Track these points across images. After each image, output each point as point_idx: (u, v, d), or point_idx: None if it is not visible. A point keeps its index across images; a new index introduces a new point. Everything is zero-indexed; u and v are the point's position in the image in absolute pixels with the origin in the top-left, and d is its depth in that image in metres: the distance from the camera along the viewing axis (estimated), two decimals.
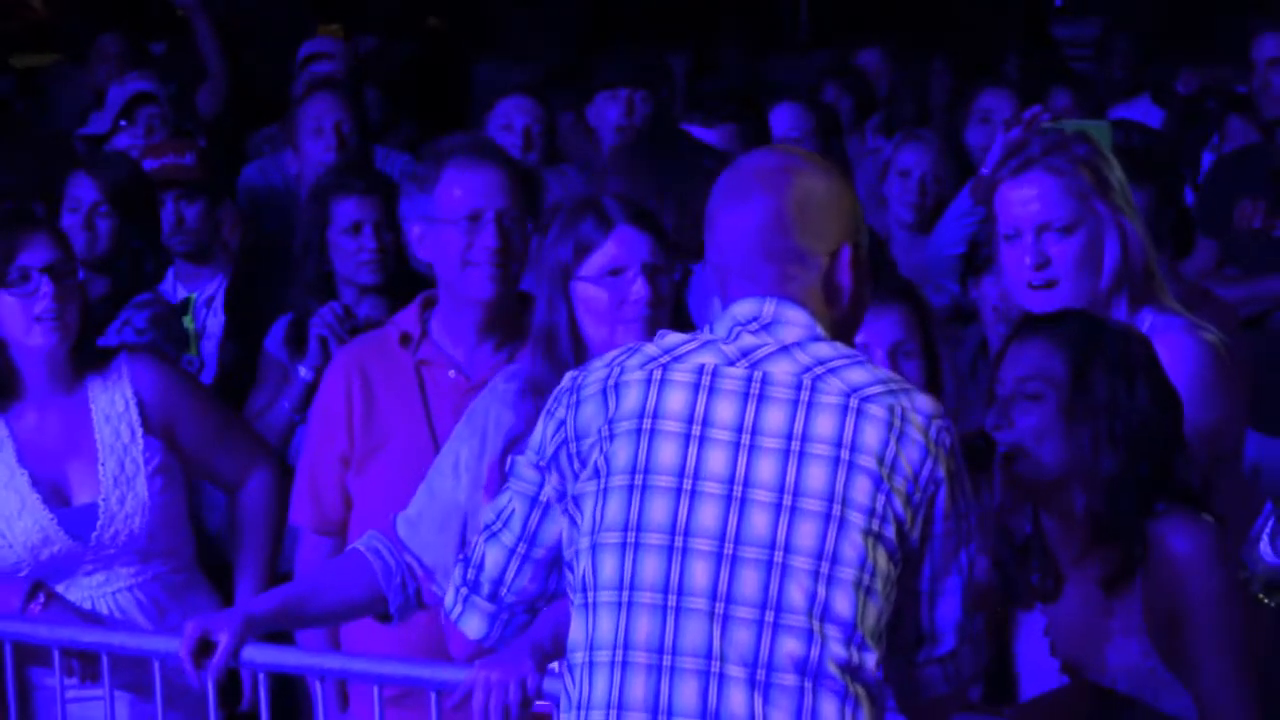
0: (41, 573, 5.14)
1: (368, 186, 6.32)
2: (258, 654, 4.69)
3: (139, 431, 5.22)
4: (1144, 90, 9.81)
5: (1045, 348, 4.21)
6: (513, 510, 3.85)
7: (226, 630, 4.59)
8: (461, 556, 3.94)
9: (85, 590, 5.17)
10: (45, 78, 11.50)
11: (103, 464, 5.19)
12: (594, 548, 3.70)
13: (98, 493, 5.18)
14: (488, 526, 3.89)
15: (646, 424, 3.69)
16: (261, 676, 4.78)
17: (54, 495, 5.18)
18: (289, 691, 5.29)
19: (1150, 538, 4.15)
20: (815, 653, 3.60)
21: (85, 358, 5.24)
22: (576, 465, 3.74)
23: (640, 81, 7.71)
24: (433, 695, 4.59)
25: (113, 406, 5.22)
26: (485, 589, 3.89)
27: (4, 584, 5.11)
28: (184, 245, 7.03)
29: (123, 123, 8.38)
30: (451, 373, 5.17)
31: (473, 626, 3.93)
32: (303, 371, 6.11)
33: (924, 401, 3.70)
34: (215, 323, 6.92)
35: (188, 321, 6.88)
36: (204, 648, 4.59)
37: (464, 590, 3.92)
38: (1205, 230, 7.11)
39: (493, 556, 3.88)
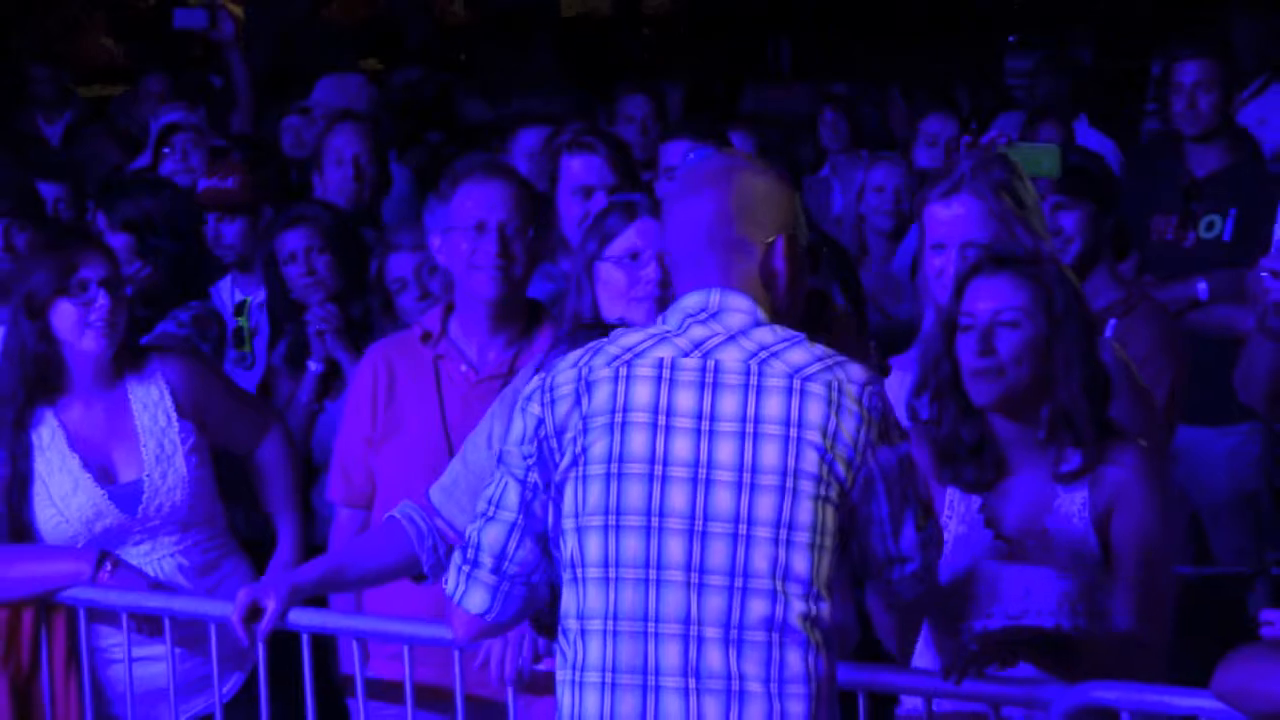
0: (95, 545, 5.15)
1: (295, 220, 6.39)
2: (301, 617, 4.71)
3: (174, 416, 5.24)
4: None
5: (1014, 282, 4.33)
6: (505, 491, 3.83)
7: (274, 597, 4.62)
8: (459, 545, 3.91)
9: (133, 559, 5.16)
10: (111, 107, 11.52)
11: (144, 445, 5.20)
12: (579, 530, 3.71)
13: (142, 470, 5.19)
14: (481, 514, 3.85)
15: (618, 418, 3.70)
16: (304, 637, 4.80)
17: (103, 475, 5.19)
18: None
19: (1103, 446, 4.30)
20: (780, 610, 3.64)
21: (125, 358, 5.26)
22: (557, 456, 3.75)
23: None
24: (455, 654, 4.62)
25: (149, 396, 5.24)
26: (488, 564, 3.84)
27: (73, 555, 5.12)
28: (228, 258, 7.03)
29: (165, 150, 8.39)
30: (463, 367, 5.19)
31: (475, 601, 3.87)
32: (312, 365, 6.17)
33: (857, 371, 3.73)
34: (266, 323, 6.91)
35: (243, 321, 6.88)
36: (254, 612, 4.62)
37: (465, 569, 3.87)
38: (1128, 244, 7.11)
39: (492, 534, 3.84)
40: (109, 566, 5.08)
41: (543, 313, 5.25)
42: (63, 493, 5.17)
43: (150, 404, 5.24)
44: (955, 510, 4.40)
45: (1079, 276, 4.91)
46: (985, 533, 4.35)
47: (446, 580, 3.92)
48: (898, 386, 4.55)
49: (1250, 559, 6.86)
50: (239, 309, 6.92)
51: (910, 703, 4.44)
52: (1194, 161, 7.18)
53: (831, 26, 16.10)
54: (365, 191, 7.41)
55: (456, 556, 3.90)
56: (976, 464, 4.36)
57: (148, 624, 5.08)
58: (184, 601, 5.08)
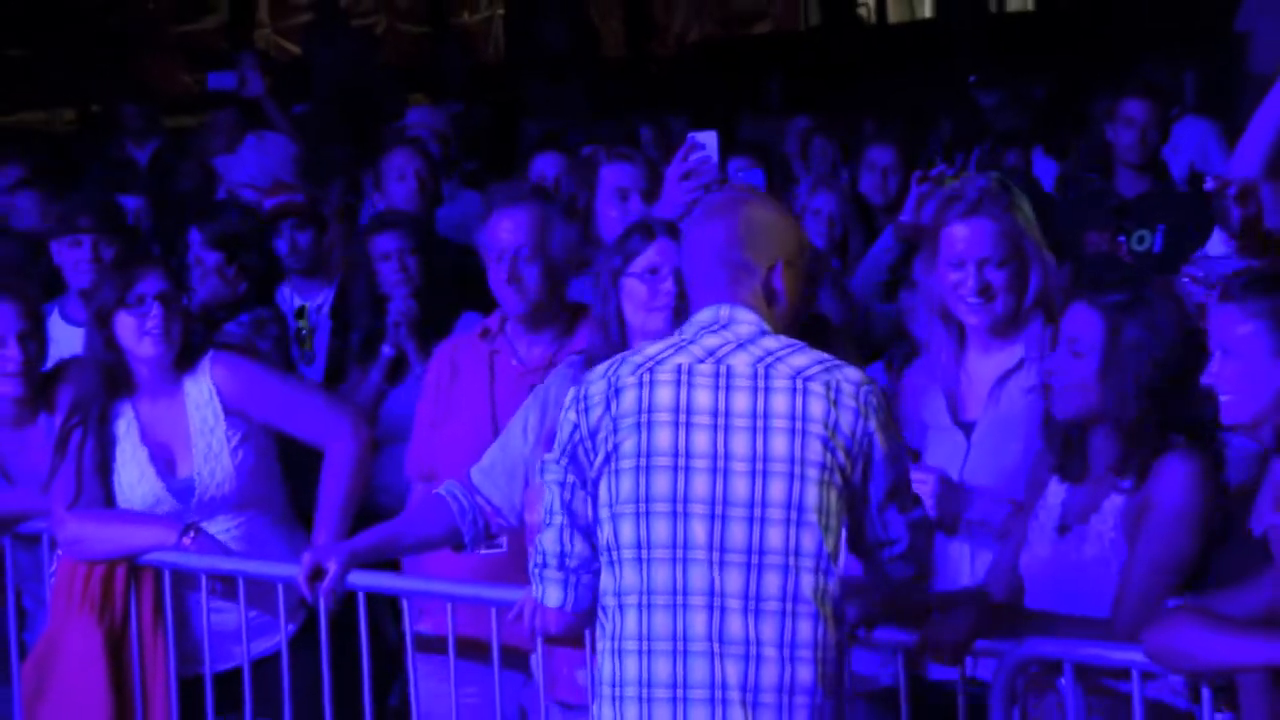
0: None
1: (391, 223, 6.37)
2: (360, 579, 4.74)
3: (220, 415, 5.22)
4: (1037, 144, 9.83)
5: (1089, 314, 4.22)
6: (553, 500, 3.87)
7: (335, 560, 4.65)
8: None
9: None
10: (190, 137, 11.55)
11: (195, 446, 5.20)
12: (614, 517, 3.75)
13: (193, 468, 5.20)
14: (545, 523, 3.90)
15: (644, 418, 3.74)
16: (361, 596, 4.83)
17: (166, 468, 5.22)
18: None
19: (1163, 461, 4.15)
20: (792, 583, 3.68)
21: (183, 361, 5.26)
22: (591, 455, 3.79)
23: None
24: (493, 611, 4.65)
25: (200, 397, 5.24)
26: (553, 563, 3.88)
27: (161, 523, 5.16)
28: (299, 264, 7.05)
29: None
30: (514, 361, 5.22)
31: (553, 596, 3.90)
32: (385, 350, 6.16)
33: (853, 373, 3.77)
34: (324, 324, 6.91)
35: (304, 324, 6.89)
36: (317, 573, 4.65)
37: (538, 571, 3.91)
38: (1062, 257, 7.14)
39: (550, 538, 3.88)
40: (191, 534, 5.12)
41: (583, 313, 5.27)
42: (130, 481, 5.21)
43: (201, 405, 5.23)
44: (1049, 497, 4.34)
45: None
46: (1055, 522, 4.30)
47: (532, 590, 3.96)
48: None
49: None
50: (299, 313, 6.93)
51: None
52: (1123, 185, 7.23)
53: (818, 66, 16.11)
54: (425, 202, 7.43)
55: (534, 566, 3.93)
56: (1080, 461, 4.28)
57: (223, 584, 5.12)
58: (255, 564, 5.12)
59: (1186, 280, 4.51)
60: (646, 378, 3.75)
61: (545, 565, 3.89)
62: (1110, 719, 4.08)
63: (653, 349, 3.81)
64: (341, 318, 6.51)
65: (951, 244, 4.77)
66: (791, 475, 3.68)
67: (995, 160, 8.73)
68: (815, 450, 3.69)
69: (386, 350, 6.16)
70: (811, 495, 3.69)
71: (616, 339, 4.63)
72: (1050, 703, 4.13)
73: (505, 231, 5.18)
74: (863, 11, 21.30)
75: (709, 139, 5.32)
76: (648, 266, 4.70)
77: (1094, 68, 11.96)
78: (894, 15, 23.32)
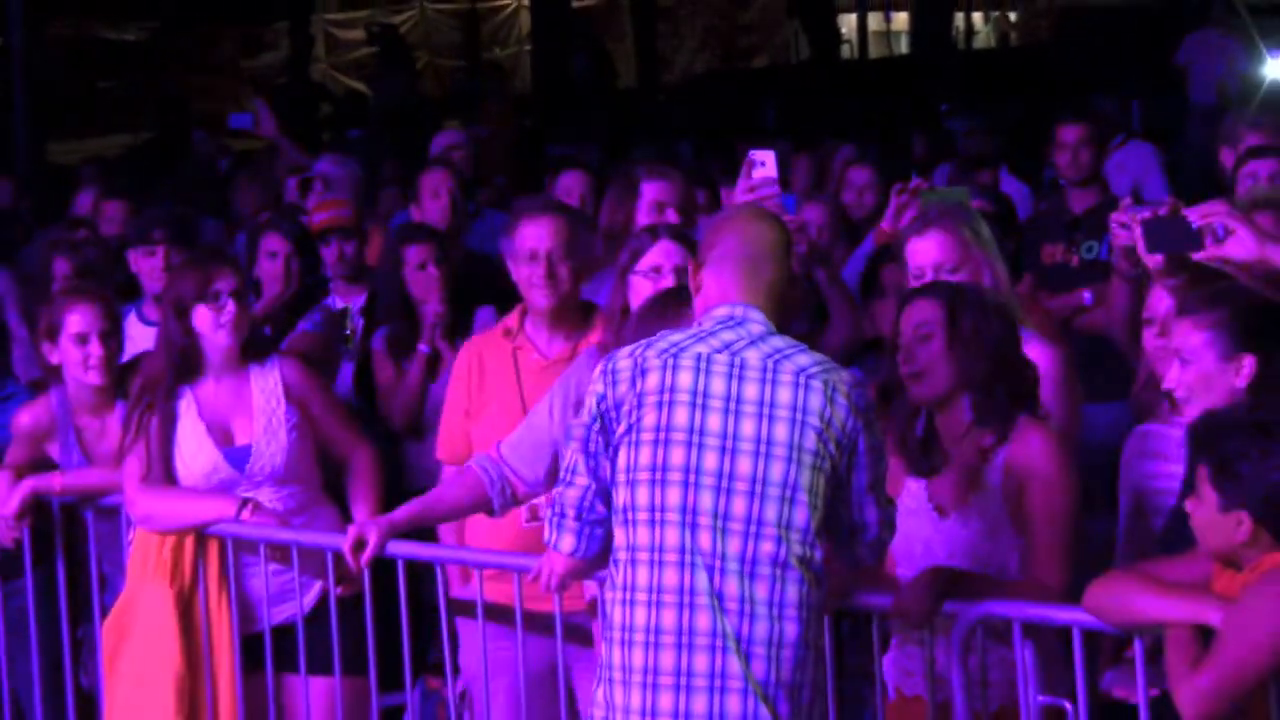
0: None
1: (424, 235, 6.34)
2: (398, 548, 4.72)
3: (283, 400, 5.22)
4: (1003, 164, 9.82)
5: (928, 304, 4.30)
6: (577, 463, 3.90)
7: (375, 531, 4.64)
8: (550, 506, 3.97)
9: None
10: (257, 156, 11.56)
11: (257, 419, 5.20)
12: (631, 483, 3.78)
13: (252, 437, 5.20)
14: (562, 479, 3.94)
15: (665, 397, 3.78)
16: (400, 563, 4.83)
17: (223, 439, 5.21)
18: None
19: (1016, 428, 4.24)
20: (783, 551, 3.73)
21: (250, 352, 5.27)
22: (614, 425, 3.82)
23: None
24: (516, 575, 4.64)
25: (266, 383, 5.24)
26: (571, 516, 3.93)
27: (222, 499, 5.15)
28: (343, 271, 7.02)
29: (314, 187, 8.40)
30: (535, 355, 5.19)
31: (566, 544, 3.95)
32: (422, 348, 6.13)
33: (848, 375, 3.83)
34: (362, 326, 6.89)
35: (347, 325, 6.87)
36: (359, 543, 4.64)
37: (556, 520, 3.96)
38: (1024, 266, 7.14)
39: (571, 495, 3.92)
40: (250, 508, 5.12)
41: (595, 311, 5.25)
42: (190, 452, 5.19)
43: (266, 389, 5.24)
44: (908, 490, 4.35)
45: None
46: (927, 506, 4.32)
47: (546, 534, 3.99)
48: None
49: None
50: (342, 315, 6.92)
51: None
52: (1073, 201, 7.25)
53: (808, 96, 16.12)
54: (455, 217, 7.39)
55: (551, 514, 3.97)
56: (925, 455, 4.32)
57: (277, 551, 5.12)
58: (307, 535, 5.11)
59: (1116, 226, 4.57)
60: (670, 362, 3.80)
61: (564, 516, 3.94)
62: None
63: (675, 336, 3.86)
64: (372, 317, 6.46)
65: (914, 257, 4.84)
66: (790, 459, 3.73)
67: (966, 177, 8.71)
68: (811, 439, 3.74)
69: (423, 348, 6.15)
70: (805, 477, 3.73)
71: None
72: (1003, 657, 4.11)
73: (538, 235, 5.13)
74: (846, 48, 21.34)
75: (768, 157, 5.20)
76: (651, 265, 4.69)
77: (1050, 98, 11.96)
78: (874, 51, 23.38)
